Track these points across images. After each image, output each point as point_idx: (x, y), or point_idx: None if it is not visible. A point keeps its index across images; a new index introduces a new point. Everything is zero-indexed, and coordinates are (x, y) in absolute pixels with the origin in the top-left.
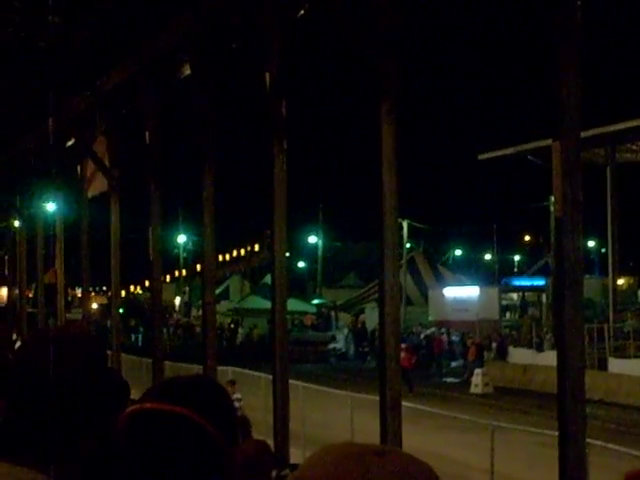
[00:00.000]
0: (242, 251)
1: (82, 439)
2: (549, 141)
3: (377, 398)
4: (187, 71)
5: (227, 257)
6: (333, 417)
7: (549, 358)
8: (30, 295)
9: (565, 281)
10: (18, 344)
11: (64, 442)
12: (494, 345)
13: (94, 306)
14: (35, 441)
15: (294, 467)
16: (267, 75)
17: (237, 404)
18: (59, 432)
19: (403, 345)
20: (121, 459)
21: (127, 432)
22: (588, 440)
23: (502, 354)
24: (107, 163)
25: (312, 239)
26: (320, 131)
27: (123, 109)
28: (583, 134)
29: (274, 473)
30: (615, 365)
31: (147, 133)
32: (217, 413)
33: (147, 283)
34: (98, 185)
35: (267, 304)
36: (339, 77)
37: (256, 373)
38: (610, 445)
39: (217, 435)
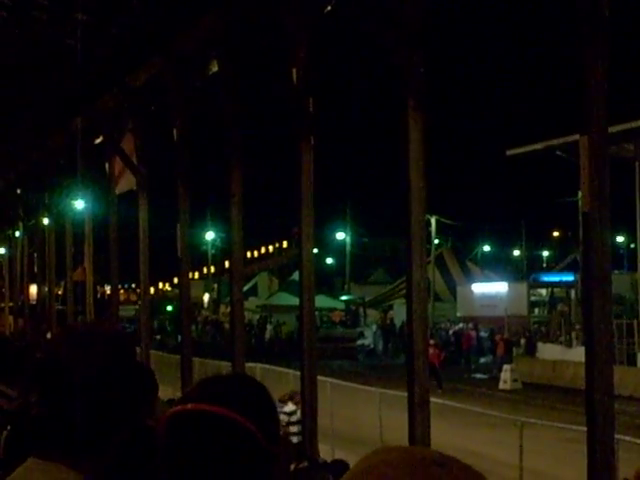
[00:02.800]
0: (270, 248)
1: (111, 435)
2: (577, 136)
3: (405, 394)
4: (214, 68)
5: (255, 254)
6: (361, 413)
7: (578, 354)
8: (59, 293)
9: (593, 276)
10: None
11: (94, 438)
12: (523, 341)
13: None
14: (65, 437)
15: (312, 460)
16: (294, 72)
17: (289, 417)
18: (88, 428)
19: (432, 341)
20: (163, 460)
21: (169, 433)
22: (617, 436)
23: (531, 350)
24: (135, 160)
25: (340, 235)
26: (348, 127)
27: (151, 106)
28: (611, 129)
29: (292, 466)
30: None
31: (175, 130)
32: (258, 412)
33: (176, 280)
34: (126, 182)
35: (295, 300)
36: (366, 73)
37: (284, 369)
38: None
39: (259, 434)
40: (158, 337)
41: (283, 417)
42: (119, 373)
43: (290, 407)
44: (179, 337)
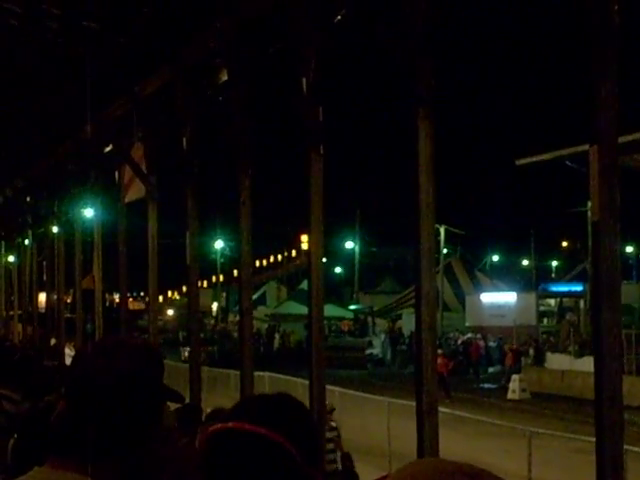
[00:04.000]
0: (279, 257)
1: (131, 446)
2: (587, 146)
3: (414, 403)
4: (224, 77)
5: (264, 263)
6: (370, 422)
7: (587, 364)
8: (68, 301)
9: (602, 287)
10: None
11: (114, 448)
12: (531, 351)
13: (169, 313)
14: (84, 443)
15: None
16: (303, 81)
17: (331, 434)
18: (110, 438)
19: (440, 351)
20: (204, 476)
21: (210, 450)
22: (626, 446)
23: (539, 360)
24: (144, 169)
25: (349, 244)
26: (357, 136)
27: (160, 115)
28: (621, 139)
29: None
30: None
31: (184, 139)
32: (299, 433)
33: (184, 288)
34: (135, 191)
35: (304, 309)
36: (376, 83)
37: (292, 378)
38: None
39: (298, 456)
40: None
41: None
42: (145, 386)
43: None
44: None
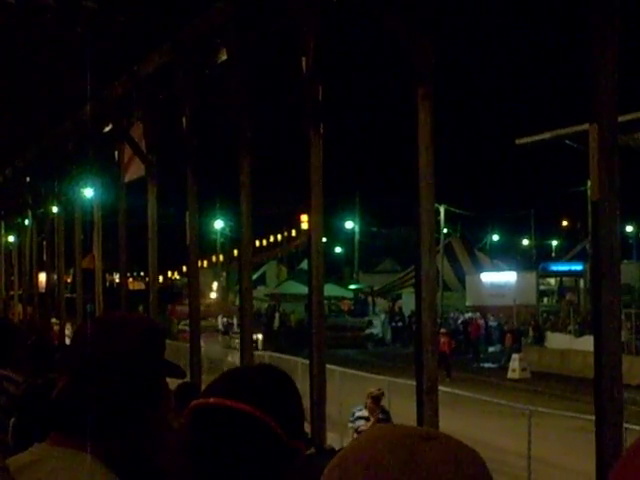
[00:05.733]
0: (279, 237)
1: (131, 422)
2: (587, 125)
3: (414, 383)
4: (224, 56)
5: (264, 242)
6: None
7: (587, 343)
8: (68, 281)
9: (602, 266)
10: (56, 328)
11: (112, 424)
12: (531, 330)
13: (212, 296)
14: (84, 420)
15: (319, 447)
16: (303, 60)
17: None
18: (111, 414)
19: (443, 330)
20: (186, 450)
21: (191, 425)
22: (625, 425)
23: (539, 339)
24: (144, 148)
25: (349, 224)
26: (357, 116)
27: (160, 94)
28: (621, 118)
29: None
30: None
31: (184, 118)
32: (280, 406)
33: (184, 268)
34: (135, 170)
35: (304, 289)
36: (375, 62)
37: (293, 358)
38: None
39: (280, 430)
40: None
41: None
42: (147, 363)
43: (364, 413)
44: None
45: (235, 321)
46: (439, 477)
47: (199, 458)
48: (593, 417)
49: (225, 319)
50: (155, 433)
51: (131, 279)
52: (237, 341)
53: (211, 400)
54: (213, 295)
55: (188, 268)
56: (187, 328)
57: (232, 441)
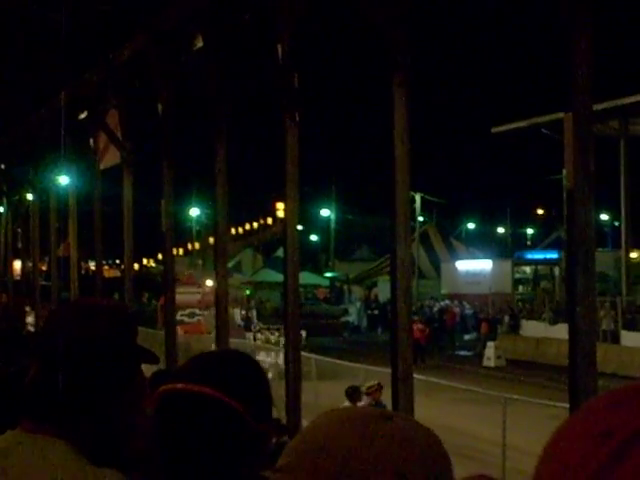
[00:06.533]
0: (255, 224)
1: (103, 408)
2: (562, 114)
3: (389, 370)
4: (199, 43)
5: (240, 230)
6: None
7: (562, 331)
8: (43, 268)
9: (577, 254)
10: (31, 317)
11: (85, 409)
12: (507, 318)
13: (208, 283)
14: (57, 407)
15: (294, 435)
16: (279, 47)
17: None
18: (81, 399)
19: (416, 318)
20: (154, 436)
21: (159, 411)
22: None
23: (515, 327)
24: (120, 136)
25: (325, 212)
26: (333, 104)
27: (136, 82)
28: (596, 106)
29: (274, 440)
30: (628, 338)
31: (159, 105)
32: (247, 391)
33: (160, 256)
34: (111, 158)
35: (279, 277)
36: (352, 50)
37: (268, 345)
38: None
39: (247, 414)
40: None
41: None
42: (119, 347)
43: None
44: None
45: (254, 314)
46: (395, 455)
47: (168, 443)
48: (567, 405)
49: (244, 312)
50: (128, 419)
51: (107, 267)
52: (260, 336)
53: (179, 386)
54: (210, 283)
55: (164, 256)
56: (186, 319)
57: (200, 426)
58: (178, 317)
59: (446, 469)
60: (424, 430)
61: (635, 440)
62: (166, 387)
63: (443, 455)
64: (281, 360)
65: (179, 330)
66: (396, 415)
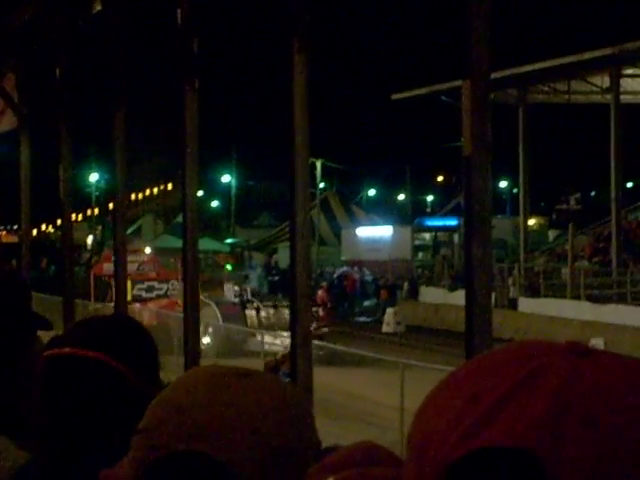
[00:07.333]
0: (155, 190)
1: None
2: (461, 81)
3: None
4: (98, 6)
5: (140, 196)
6: (246, 357)
7: (460, 297)
8: None
9: (474, 220)
10: None
11: None
12: (406, 285)
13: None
14: None
15: None
16: (178, 12)
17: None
18: None
19: (324, 283)
20: (41, 401)
21: (45, 376)
22: None
23: (414, 294)
24: (16, 99)
25: (226, 178)
26: (233, 69)
27: (33, 45)
28: (495, 74)
29: None
30: (525, 304)
31: (57, 70)
32: (134, 354)
33: (59, 222)
34: (7, 122)
35: (180, 243)
36: (251, 15)
37: (165, 311)
38: None
39: (133, 378)
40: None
41: None
42: (11, 312)
43: None
44: None
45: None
46: (250, 412)
47: (54, 407)
48: None
49: (237, 288)
50: (20, 383)
51: (4, 232)
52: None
53: (66, 350)
54: (148, 250)
55: (62, 222)
56: (143, 294)
57: (86, 389)
58: (135, 292)
59: (305, 425)
60: (283, 385)
61: (502, 405)
62: (52, 351)
63: (303, 410)
64: None
65: (151, 307)
66: (255, 372)
